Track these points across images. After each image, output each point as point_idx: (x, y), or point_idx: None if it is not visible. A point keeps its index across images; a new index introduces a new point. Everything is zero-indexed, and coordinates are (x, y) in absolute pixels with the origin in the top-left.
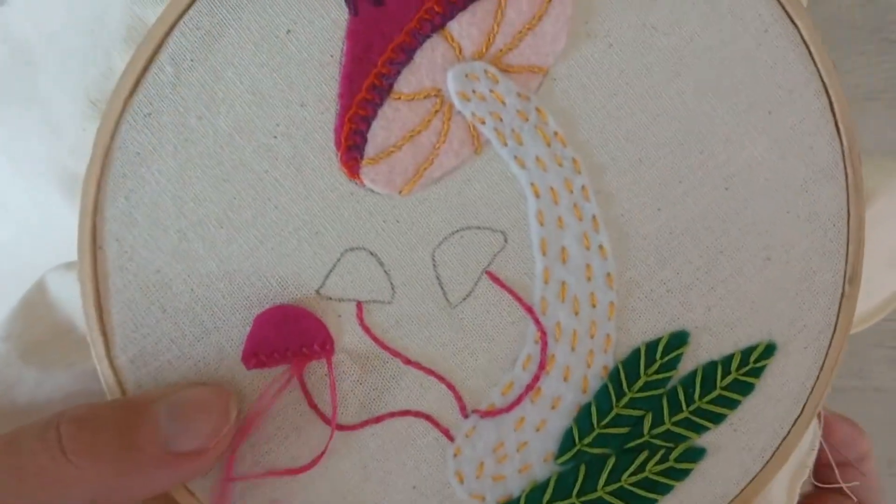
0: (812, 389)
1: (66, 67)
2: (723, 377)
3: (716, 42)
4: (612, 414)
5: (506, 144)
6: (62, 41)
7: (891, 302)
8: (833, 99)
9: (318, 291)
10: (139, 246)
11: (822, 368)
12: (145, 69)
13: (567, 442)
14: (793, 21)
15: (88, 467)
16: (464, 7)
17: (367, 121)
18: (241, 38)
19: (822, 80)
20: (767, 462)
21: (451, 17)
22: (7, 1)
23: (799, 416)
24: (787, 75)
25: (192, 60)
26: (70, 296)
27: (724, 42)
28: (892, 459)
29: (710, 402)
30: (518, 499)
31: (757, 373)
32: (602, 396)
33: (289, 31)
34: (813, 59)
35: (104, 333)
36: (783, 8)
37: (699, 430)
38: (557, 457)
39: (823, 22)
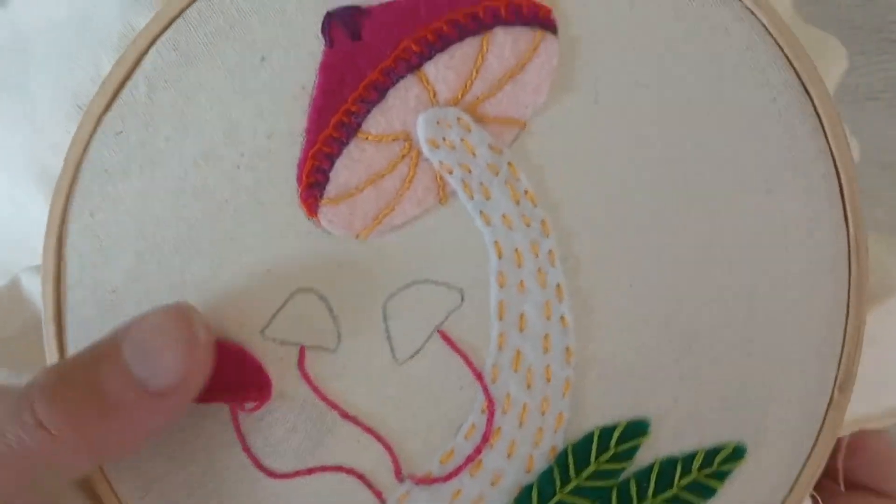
0: (783, 503)
1: (57, 66)
2: (682, 476)
3: (714, 107)
4: (555, 500)
5: (472, 198)
6: (59, 39)
7: None
8: (843, 182)
9: (262, 331)
10: (98, 263)
11: (796, 481)
12: (121, 85)
13: None
14: (806, 90)
15: (75, 436)
16: (442, 49)
17: (332, 159)
18: (216, 63)
19: (834, 162)
20: None
21: (429, 59)
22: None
23: None
24: (792, 152)
25: (165, 81)
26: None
27: (725, 108)
28: None
29: (665, 500)
30: None
31: (721, 476)
32: (546, 479)
33: (263, 59)
34: (825, 134)
35: (60, 348)
36: (797, 75)
37: None
38: None
39: (823, 22)
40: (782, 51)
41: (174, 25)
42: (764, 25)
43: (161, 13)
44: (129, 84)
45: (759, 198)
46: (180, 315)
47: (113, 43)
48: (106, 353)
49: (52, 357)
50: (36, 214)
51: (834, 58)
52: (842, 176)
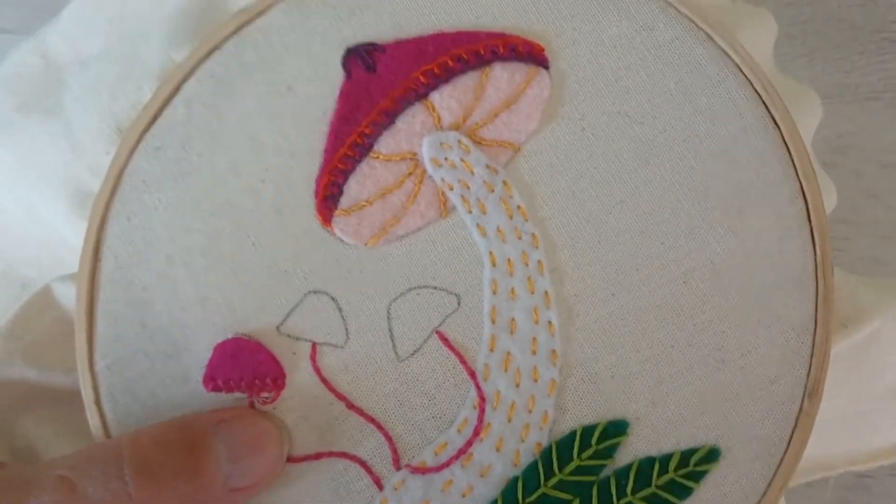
0: None
1: (96, 92)
2: (659, 475)
3: (689, 136)
4: (539, 492)
5: (470, 212)
6: (95, 69)
7: None
8: (810, 205)
9: (278, 328)
10: (132, 264)
11: (769, 485)
12: (162, 107)
13: None
14: (776, 122)
15: None
16: (447, 81)
17: (346, 175)
18: (247, 90)
19: (801, 184)
20: None
21: (435, 89)
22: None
23: None
24: (762, 176)
25: (202, 104)
26: (72, 302)
27: (699, 137)
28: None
29: (643, 499)
30: None
31: (697, 477)
32: (531, 473)
33: (289, 87)
34: (793, 162)
35: (89, 340)
36: (766, 109)
37: None
38: None
39: (823, 22)
40: (753, 86)
41: (213, 56)
42: (736, 64)
43: (202, 45)
44: (170, 106)
45: (731, 218)
46: (273, 429)
47: (155, 74)
48: (200, 443)
49: (80, 350)
50: (66, 234)
51: (810, 108)
52: (808, 199)
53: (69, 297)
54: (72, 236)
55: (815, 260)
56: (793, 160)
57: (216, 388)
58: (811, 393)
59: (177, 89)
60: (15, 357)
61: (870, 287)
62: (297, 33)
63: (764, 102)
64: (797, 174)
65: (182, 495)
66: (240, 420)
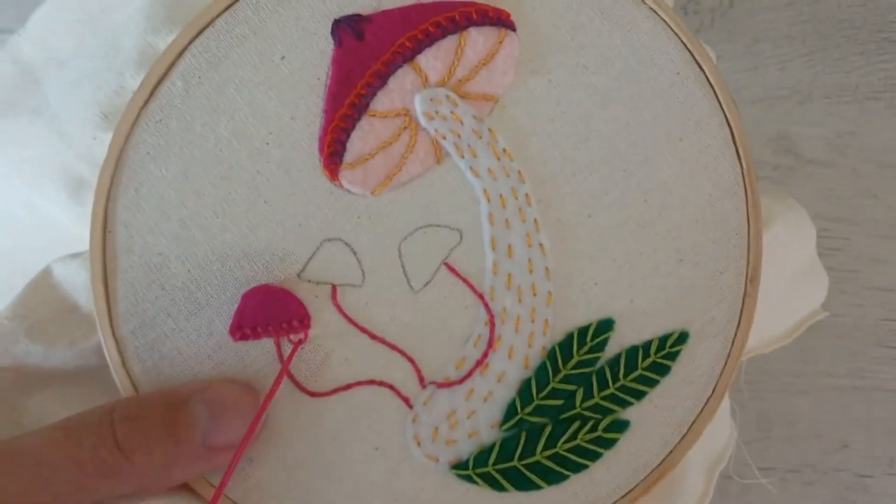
0: (721, 373)
1: (77, 86)
2: (643, 359)
3: (636, 80)
4: (549, 388)
5: (463, 157)
6: (72, 67)
7: (799, 326)
8: (734, 130)
9: (298, 275)
10: (144, 231)
11: (728, 356)
12: (158, 83)
13: (510, 411)
14: (700, 66)
15: (140, 460)
16: (430, 44)
17: (347, 133)
18: (243, 61)
19: (725, 114)
20: (684, 436)
21: (420, 52)
22: (18, 30)
23: (710, 396)
24: (695, 109)
25: (199, 77)
26: (73, 281)
27: (644, 80)
28: (893, 459)
29: (633, 380)
30: (467, 461)
31: (673, 357)
32: (541, 372)
33: (283, 58)
34: (717, 96)
35: (108, 308)
36: (692, 55)
37: (624, 404)
38: (502, 424)
39: (823, 22)
40: (679, 38)
41: (205, 33)
42: (665, 21)
43: (192, 24)
44: (167, 81)
45: (674, 145)
46: (252, 393)
47: (134, 59)
48: (182, 401)
49: (101, 318)
50: (62, 219)
51: None
52: (732, 125)
53: (68, 276)
54: (70, 222)
55: (743, 173)
56: (717, 95)
57: (243, 336)
58: (752, 279)
59: (171, 66)
60: (19, 336)
61: (768, 199)
62: (285, 8)
63: (689, 50)
64: (721, 107)
65: (163, 448)
66: (220, 385)
